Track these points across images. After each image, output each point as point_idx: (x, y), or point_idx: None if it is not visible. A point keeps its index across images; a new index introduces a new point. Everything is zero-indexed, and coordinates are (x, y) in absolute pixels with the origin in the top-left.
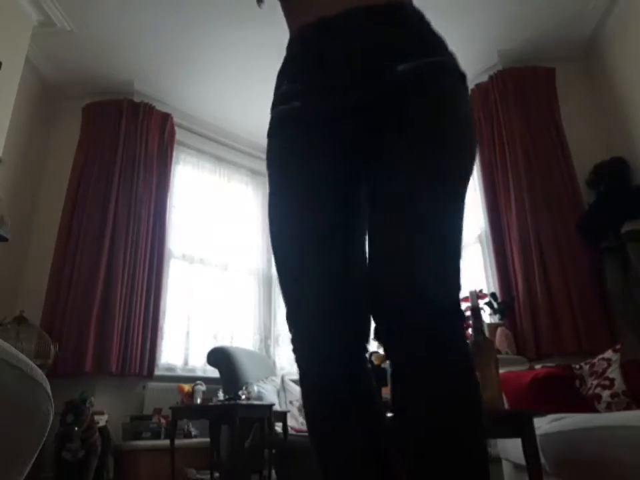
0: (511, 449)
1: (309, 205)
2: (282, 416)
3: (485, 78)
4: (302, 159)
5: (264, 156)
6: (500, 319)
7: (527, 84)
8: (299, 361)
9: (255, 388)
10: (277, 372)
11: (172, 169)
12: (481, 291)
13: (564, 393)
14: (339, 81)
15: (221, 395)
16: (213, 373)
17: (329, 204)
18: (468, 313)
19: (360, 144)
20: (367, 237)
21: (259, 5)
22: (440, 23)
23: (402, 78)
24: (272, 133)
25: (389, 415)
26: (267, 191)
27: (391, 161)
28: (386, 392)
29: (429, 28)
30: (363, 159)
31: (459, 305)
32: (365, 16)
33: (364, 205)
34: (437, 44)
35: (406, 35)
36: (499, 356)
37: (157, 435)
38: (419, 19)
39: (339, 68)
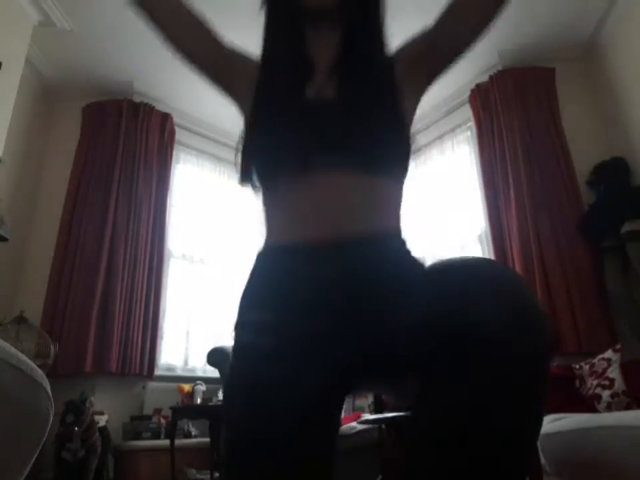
0: None
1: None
2: None
3: (485, 78)
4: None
5: None
6: None
7: (527, 84)
8: None
9: None
10: None
11: (172, 169)
12: None
13: (564, 393)
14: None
15: (221, 395)
16: (213, 373)
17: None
18: None
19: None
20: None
21: (241, 185)
22: None
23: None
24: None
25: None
26: None
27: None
28: None
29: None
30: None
31: None
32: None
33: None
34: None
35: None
36: None
37: (157, 435)
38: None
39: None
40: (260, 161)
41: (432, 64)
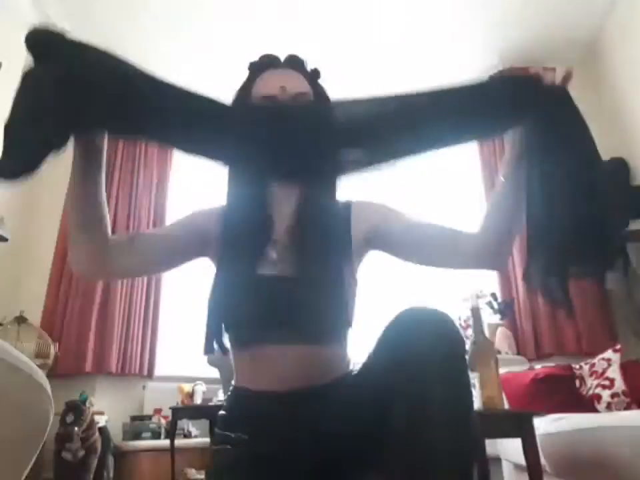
0: (511, 449)
1: None
2: None
3: (485, 78)
4: None
5: None
6: (500, 319)
7: None
8: None
9: None
10: None
11: (172, 169)
12: (481, 291)
13: (564, 393)
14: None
15: (220, 395)
16: (213, 373)
17: None
18: (468, 313)
19: None
20: None
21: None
22: (440, 23)
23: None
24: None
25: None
26: None
27: None
28: None
29: None
30: None
31: None
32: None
33: None
34: None
35: None
36: (498, 356)
37: (157, 435)
38: None
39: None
40: (220, 332)
41: (392, 251)
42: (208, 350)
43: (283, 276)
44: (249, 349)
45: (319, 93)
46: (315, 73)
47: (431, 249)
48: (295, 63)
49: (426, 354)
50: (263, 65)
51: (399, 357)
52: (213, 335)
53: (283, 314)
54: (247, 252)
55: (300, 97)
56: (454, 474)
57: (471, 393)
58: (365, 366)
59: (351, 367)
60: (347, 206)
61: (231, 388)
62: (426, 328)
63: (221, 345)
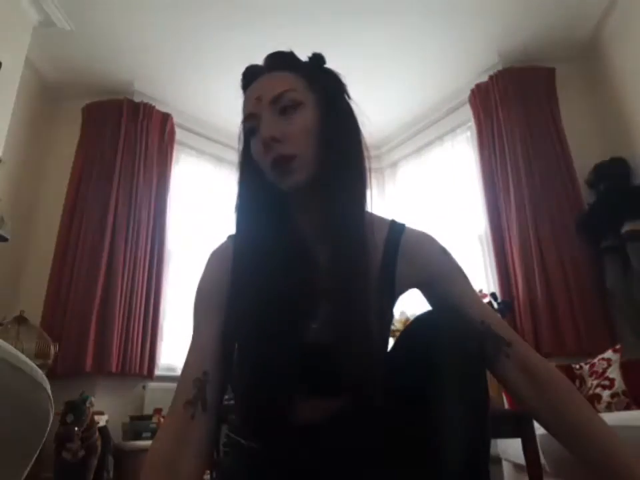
0: (511, 449)
1: None
2: None
3: (484, 78)
4: None
5: None
6: None
7: (527, 84)
8: None
9: None
10: None
11: (172, 169)
12: (480, 290)
13: None
14: None
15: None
16: None
17: None
18: None
19: None
20: None
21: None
22: (440, 23)
23: None
24: None
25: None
26: None
27: None
28: None
29: None
30: None
31: None
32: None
33: None
34: None
35: None
36: None
37: None
38: None
39: None
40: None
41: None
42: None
43: (327, 343)
44: (288, 410)
45: (318, 82)
46: (314, 61)
47: None
48: (275, 62)
49: (447, 355)
50: (246, 82)
51: (418, 359)
52: (252, 403)
53: (330, 379)
54: (290, 320)
55: (280, 99)
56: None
57: (487, 393)
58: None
59: None
60: (395, 239)
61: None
62: (446, 331)
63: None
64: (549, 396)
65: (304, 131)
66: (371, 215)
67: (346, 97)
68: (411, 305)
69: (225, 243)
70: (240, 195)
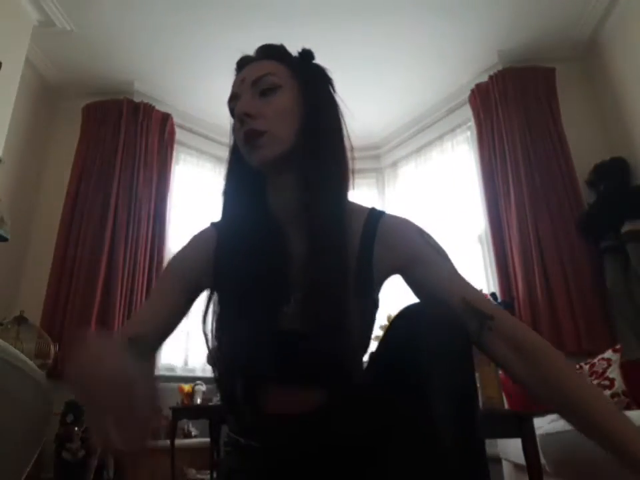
0: (511, 449)
1: None
2: None
3: (484, 78)
4: None
5: None
6: None
7: (527, 84)
8: None
9: None
10: None
11: (172, 169)
12: (481, 290)
13: None
14: None
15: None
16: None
17: None
18: None
19: None
20: None
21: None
22: (440, 23)
23: None
24: None
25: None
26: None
27: None
28: None
29: None
30: None
31: None
32: None
33: None
34: None
35: None
36: None
37: (156, 435)
38: None
39: None
40: (235, 390)
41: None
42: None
43: (302, 331)
44: (262, 397)
45: (303, 73)
46: (302, 55)
47: None
48: (264, 52)
49: (434, 345)
50: (237, 70)
51: (407, 349)
52: (228, 387)
53: (305, 370)
54: (263, 306)
55: (260, 81)
56: (464, 468)
57: (475, 385)
58: (372, 360)
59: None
60: (373, 225)
61: None
62: (434, 320)
63: (235, 396)
64: (537, 367)
65: (278, 112)
66: (352, 203)
67: (331, 89)
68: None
69: (207, 228)
70: (226, 178)
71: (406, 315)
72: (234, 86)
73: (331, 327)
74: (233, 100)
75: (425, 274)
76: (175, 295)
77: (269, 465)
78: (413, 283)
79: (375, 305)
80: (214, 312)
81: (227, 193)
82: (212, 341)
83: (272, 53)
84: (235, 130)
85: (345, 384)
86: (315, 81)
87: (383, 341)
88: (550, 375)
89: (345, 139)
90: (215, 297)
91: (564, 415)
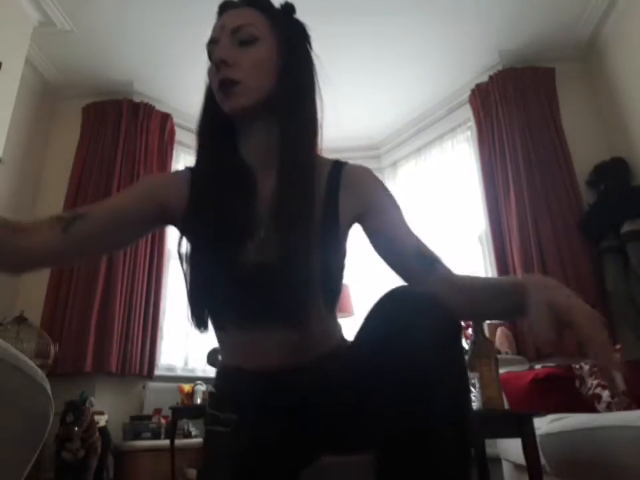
0: (511, 449)
1: None
2: None
3: (485, 78)
4: None
5: None
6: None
7: (527, 84)
8: None
9: None
10: None
11: (172, 169)
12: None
13: (564, 393)
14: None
15: None
16: (213, 373)
17: None
18: None
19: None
20: None
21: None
22: (440, 23)
23: None
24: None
25: None
26: None
27: None
28: None
29: None
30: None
31: None
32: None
33: None
34: None
35: None
36: (498, 356)
37: (157, 435)
38: None
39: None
40: (203, 314)
41: (369, 239)
42: (199, 325)
43: (267, 263)
44: (233, 334)
45: (282, 26)
46: (284, 8)
47: (400, 267)
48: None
49: (421, 331)
50: (219, 13)
51: (392, 332)
52: (196, 317)
53: (267, 302)
54: (228, 239)
55: (239, 30)
56: (451, 453)
57: (466, 371)
58: (355, 342)
59: (342, 338)
60: (337, 173)
61: (219, 365)
62: (420, 305)
63: (204, 324)
64: (464, 292)
65: (254, 63)
66: (318, 156)
67: (308, 46)
68: None
69: (184, 170)
70: (200, 119)
71: (395, 296)
72: (214, 30)
73: (294, 256)
74: (212, 43)
75: (384, 222)
76: (137, 202)
77: (243, 432)
78: (371, 230)
79: (343, 254)
80: (188, 240)
81: (200, 135)
82: (186, 265)
83: (256, 1)
84: (210, 74)
85: (306, 321)
86: (294, 37)
87: (368, 320)
88: (470, 293)
89: (318, 98)
90: (190, 226)
91: (478, 311)
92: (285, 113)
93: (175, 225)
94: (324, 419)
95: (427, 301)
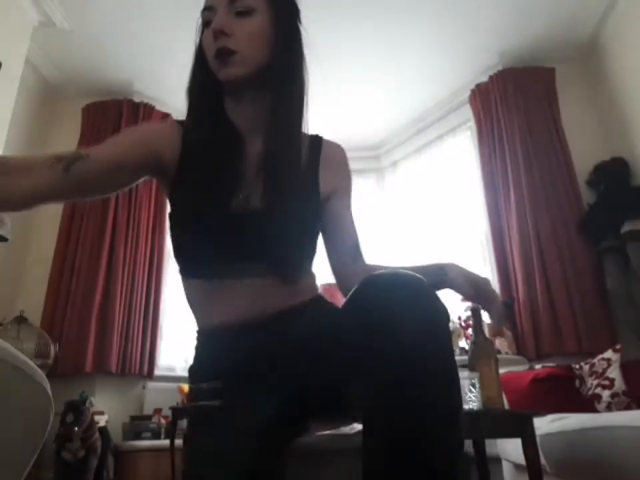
0: (511, 449)
1: None
2: None
3: (485, 78)
4: None
5: None
6: None
7: (527, 84)
8: None
9: None
10: None
11: None
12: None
13: (564, 393)
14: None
15: None
16: None
17: None
18: (468, 313)
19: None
20: None
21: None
22: (441, 24)
23: None
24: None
25: None
26: None
27: None
28: None
29: None
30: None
31: None
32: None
33: None
34: None
35: None
36: (498, 356)
37: (157, 435)
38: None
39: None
40: (189, 263)
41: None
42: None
43: (252, 212)
44: (215, 282)
45: (280, 2)
46: None
47: (334, 252)
48: None
49: (409, 316)
50: None
51: (378, 316)
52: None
53: (251, 249)
54: (217, 189)
55: (237, 1)
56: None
57: (453, 355)
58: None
59: (318, 293)
60: (317, 145)
61: (195, 335)
62: (405, 290)
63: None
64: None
65: (250, 34)
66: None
67: (297, 21)
68: None
69: (176, 125)
70: (190, 79)
71: (378, 282)
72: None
73: (278, 204)
74: (207, 10)
75: (341, 206)
76: (136, 148)
77: (236, 404)
78: (327, 211)
79: (320, 226)
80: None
81: (190, 94)
82: (178, 205)
83: None
84: (205, 40)
85: (289, 267)
86: (287, 11)
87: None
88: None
89: (305, 72)
90: (179, 182)
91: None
92: (278, 84)
93: (165, 179)
94: (313, 376)
95: (414, 285)
